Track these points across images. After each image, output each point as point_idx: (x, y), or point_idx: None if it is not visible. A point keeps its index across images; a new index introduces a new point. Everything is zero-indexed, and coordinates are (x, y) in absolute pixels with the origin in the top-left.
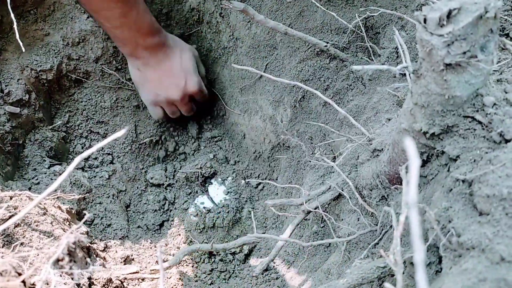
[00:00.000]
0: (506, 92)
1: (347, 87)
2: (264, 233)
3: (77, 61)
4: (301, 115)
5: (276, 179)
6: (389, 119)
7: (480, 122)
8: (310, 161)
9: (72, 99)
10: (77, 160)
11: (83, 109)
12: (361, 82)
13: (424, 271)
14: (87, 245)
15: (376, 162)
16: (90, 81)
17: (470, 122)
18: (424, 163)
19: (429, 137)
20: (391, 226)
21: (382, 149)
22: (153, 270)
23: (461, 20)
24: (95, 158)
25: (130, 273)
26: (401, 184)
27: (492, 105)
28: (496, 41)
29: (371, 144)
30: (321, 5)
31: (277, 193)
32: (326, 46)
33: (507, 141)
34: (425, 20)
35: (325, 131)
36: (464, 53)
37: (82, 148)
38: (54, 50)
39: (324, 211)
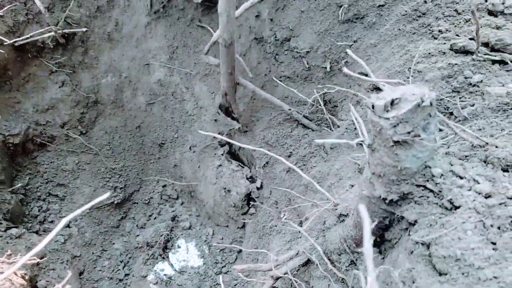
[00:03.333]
0: (451, 164)
1: (310, 154)
2: None
3: (43, 127)
4: (265, 180)
5: (241, 244)
6: (352, 185)
7: (431, 191)
8: (276, 226)
9: (34, 162)
10: (63, 221)
11: (44, 172)
12: (323, 150)
13: None
14: None
15: (343, 226)
16: (54, 145)
17: (423, 190)
18: (387, 227)
19: (388, 203)
20: None
21: (348, 214)
22: None
23: (403, 107)
24: (51, 222)
25: None
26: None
27: (440, 176)
28: (435, 123)
29: (336, 209)
30: (281, 81)
31: (242, 258)
32: (290, 109)
33: (456, 207)
34: (373, 106)
35: (290, 196)
36: (409, 132)
37: (39, 210)
38: (23, 117)
39: (293, 277)
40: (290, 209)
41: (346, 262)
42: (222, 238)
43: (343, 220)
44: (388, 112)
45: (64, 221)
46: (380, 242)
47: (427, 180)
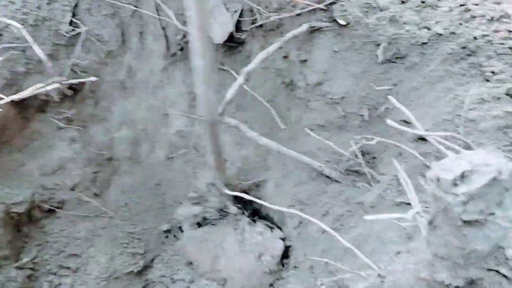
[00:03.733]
0: None
1: (347, 213)
2: None
3: (51, 191)
4: (299, 242)
5: None
6: (398, 252)
7: (505, 276)
8: None
9: (42, 231)
10: None
11: (54, 242)
12: (363, 209)
13: None
14: None
15: None
16: (64, 211)
17: (495, 275)
18: None
19: None
20: None
21: None
22: None
23: (475, 181)
24: None
25: None
26: None
27: None
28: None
29: (383, 282)
30: (313, 130)
31: None
32: (320, 166)
33: None
34: (438, 180)
35: (326, 261)
36: (482, 210)
37: (49, 287)
38: (28, 181)
39: None
40: (328, 279)
41: None
42: None
43: None
44: (457, 187)
45: None
46: None
47: (500, 264)
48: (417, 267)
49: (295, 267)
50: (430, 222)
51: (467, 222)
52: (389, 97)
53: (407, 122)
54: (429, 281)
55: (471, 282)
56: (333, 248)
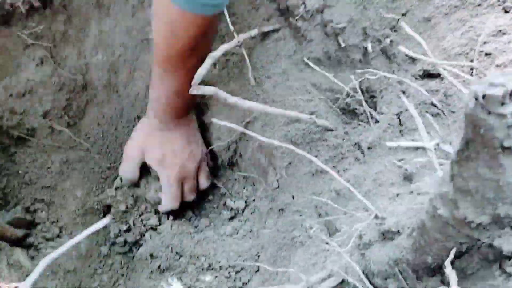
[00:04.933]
0: None
1: (340, 155)
2: None
3: (21, 116)
4: (287, 184)
5: (258, 256)
6: (398, 195)
7: None
8: (299, 237)
9: (12, 160)
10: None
11: (25, 172)
12: (359, 149)
13: None
14: None
15: (393, 247)
16: (36, 140)
17: None
18: (460, 255)
19: (474, 227)
20: None
21: (399, 231)
22: None
23: None
24: (39, 231)
25: None
26: (428, 275)
27: None
28: None
29: (382, 224)
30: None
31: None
32: (310, 118)
33: None
34: (483, 97)
35: (316, 204)
36: None
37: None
38: None
39: None
40: (317, 220)
41: None
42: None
43: (392, 238)
44: (504, 106)
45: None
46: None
47: None
48: (426, 206)
49: (282, 209)
50: (459, 152)
51: (507, 150)
52: (402, 23)
53: (413, 59)
54: (447, 219)
55: (497, 219)
56: (324, 191)
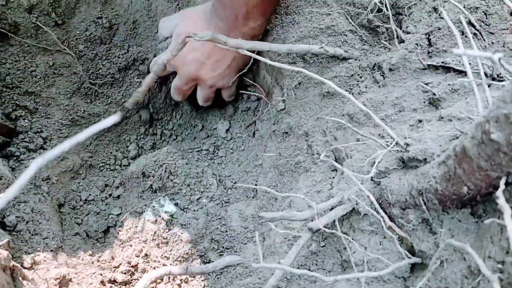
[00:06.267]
0: None
1: (356, 76)
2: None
3: (2, 8)
4: (295, 105)
5: (256, 182)
6: (420, 121)
7: None
8: (304, 162)
9: None
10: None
11: (6, 74)
12: (379, 71)
13: None
14: (10, 265)
15: (417, 175)
16: (19, 38)
17: None
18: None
19: None
20: (441, 262)
21: (426, 159)
22: None
23: None
24: (21, 141)
25: None
26: (457, 207)
27: None
28: None
29: (404, 151)
30: None
31: (258, 197)
32: (321, 47)
33: None
34: None
35: (325, 128)
36: None
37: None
38: None
39: (331, 230)
40: (324, 143)
41: (416, 219)
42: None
43: (416, 166)
44: None
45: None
46: (476, 202)
47: None
48: (471, 131)
49: (286, 133)
50: None
51: None
52: None
53: None
54: (501, 145)
55: None
56: (334, 115)
